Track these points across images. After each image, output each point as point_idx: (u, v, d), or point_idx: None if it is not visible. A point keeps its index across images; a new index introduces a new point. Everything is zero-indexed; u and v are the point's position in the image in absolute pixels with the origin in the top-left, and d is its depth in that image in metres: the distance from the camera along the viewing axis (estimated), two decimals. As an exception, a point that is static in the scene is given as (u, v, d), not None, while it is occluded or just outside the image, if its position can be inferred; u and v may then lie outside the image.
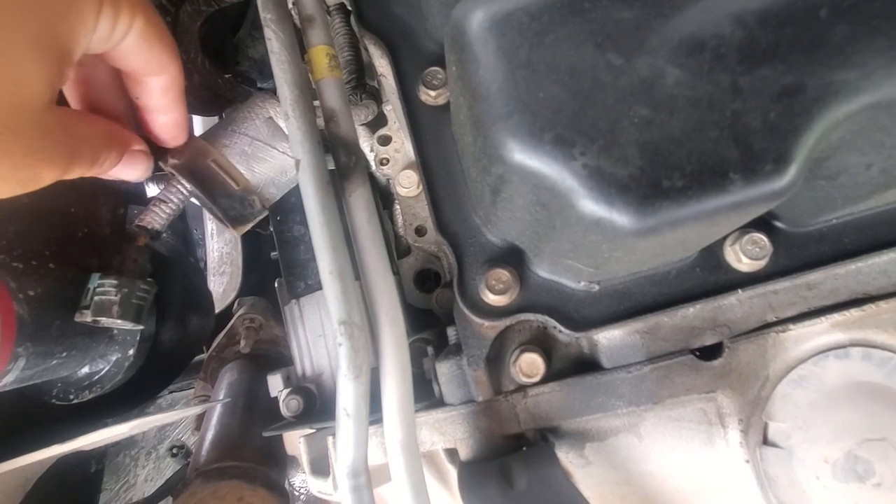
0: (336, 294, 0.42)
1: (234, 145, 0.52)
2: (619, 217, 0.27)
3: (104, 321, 0.50)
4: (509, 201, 0.35)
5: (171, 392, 1.70)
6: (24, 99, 0.29)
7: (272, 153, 0.53)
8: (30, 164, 0.32)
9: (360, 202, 0.46)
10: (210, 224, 1.44)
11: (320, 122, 0.49)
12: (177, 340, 0.72)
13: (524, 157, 0.28)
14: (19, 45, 0.28)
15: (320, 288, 0.68)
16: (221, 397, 1.06)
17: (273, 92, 0.55)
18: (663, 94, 0.27)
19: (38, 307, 0.53)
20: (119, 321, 0.50)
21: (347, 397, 0.42)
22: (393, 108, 0.66)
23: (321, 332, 0.70)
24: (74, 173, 0.38)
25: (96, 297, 0.50)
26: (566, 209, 0.30)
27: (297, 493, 1.52)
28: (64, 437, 0.60)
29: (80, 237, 0.63)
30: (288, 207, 0.78)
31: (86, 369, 0.63)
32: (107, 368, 0.63)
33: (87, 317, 0.50)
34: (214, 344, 1.18)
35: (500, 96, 0.28)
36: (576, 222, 0.30)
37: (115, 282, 0.50)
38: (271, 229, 1.15)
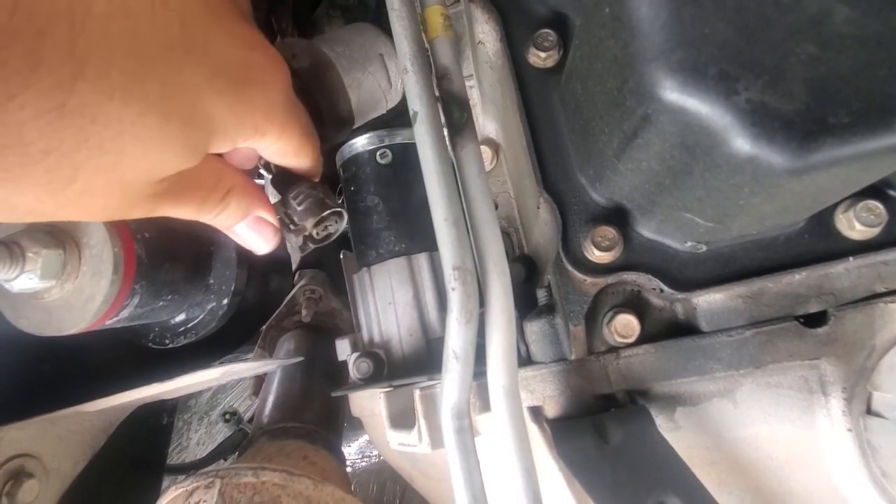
0: (451, 240, 0.44)
1: (344, 69, 0.51)
2: (777, 153, 0.28)
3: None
4: (643, 148, 0.35)
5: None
6: (147, 179, 0.33)
7: (377, 91, 0.52)
8: (121, 213, 0.35)
9: (471, 156, 0.47)
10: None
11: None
12: (259, 298, 0.75)
13: (680, 93, 0.29)
14: (167, 149, 0.32)
15: (391, 257, 0.70)
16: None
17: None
18: (831, 33, 0.28)
19: (152, 249, 0.56)
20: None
21: (457, 340, 0.43)
22: (478, 79, 0.67)
23: (391, 300, 0.71)
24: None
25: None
26: (715, 149, 0.30)
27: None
28: (161, 377, 0.63)
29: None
30: (362, 178, 0.79)
31: (182, 316, 0.66)
32: (202, 316, 0.66)
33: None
34: (275, 313, 1.21)
35: (664, 32, 0.29)
36: (724, 162, 0.31)
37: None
38: (339, 202, 1.18)
